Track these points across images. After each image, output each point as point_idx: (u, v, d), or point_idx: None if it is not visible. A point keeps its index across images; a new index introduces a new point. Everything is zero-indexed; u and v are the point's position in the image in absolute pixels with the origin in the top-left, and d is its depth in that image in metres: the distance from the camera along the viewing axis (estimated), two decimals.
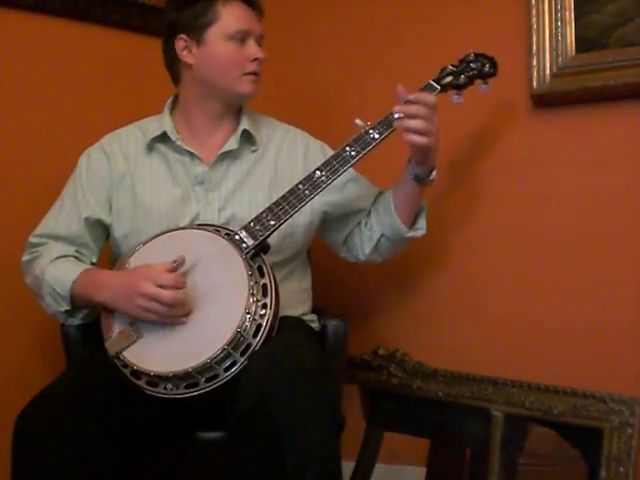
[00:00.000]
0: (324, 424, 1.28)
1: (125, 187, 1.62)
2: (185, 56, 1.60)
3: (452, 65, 1.60)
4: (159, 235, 1.50)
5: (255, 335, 1.36)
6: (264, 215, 1.46)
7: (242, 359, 1.35)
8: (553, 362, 1.76)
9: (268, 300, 1.39)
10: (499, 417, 1.78)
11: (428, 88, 1.57)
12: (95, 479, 1.30)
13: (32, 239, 1.62)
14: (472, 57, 1.61)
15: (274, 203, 1.48)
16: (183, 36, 1.59)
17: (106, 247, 1.68)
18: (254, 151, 1.65)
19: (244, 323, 1.35)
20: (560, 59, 1.71)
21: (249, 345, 1.35)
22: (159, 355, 1.38)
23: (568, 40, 1.70)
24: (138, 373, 1.38)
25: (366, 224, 1.70)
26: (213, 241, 1.45)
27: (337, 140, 1.58)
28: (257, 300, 1.38)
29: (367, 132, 1.52)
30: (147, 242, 1.50)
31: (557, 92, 1.72)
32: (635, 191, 1.68)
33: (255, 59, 1.58)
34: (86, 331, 1.58)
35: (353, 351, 1.94)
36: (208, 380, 1.35)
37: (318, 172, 1.50)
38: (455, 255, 1.91)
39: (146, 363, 1.37)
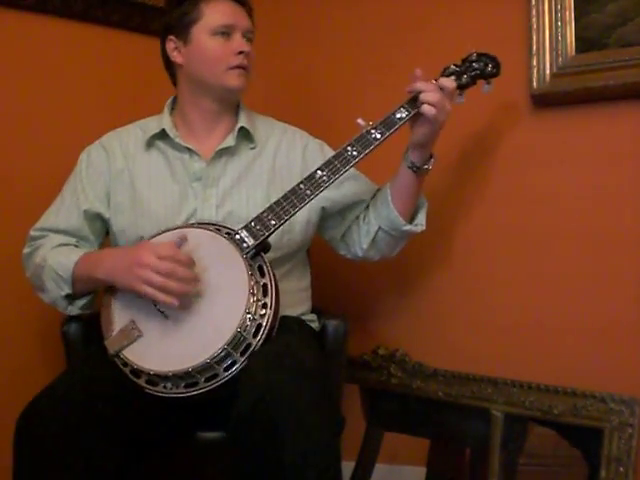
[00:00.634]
0: (324, 424, 1.28)
1: (123, 183, 1.62)
2: (175, 57, 1.63)
3: (455, 65, 1.60)
4: (159, 234, 1.50)
5: (255, 335, 1.36)
6: (265, 215, 1.46)
7: (242, 359, 1.35)
8: (553, 362, 1.76)
9: (268, 300, 1.39)
10: (499, 417, 1.78)
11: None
12: (96, 477, 1.30)
13: (32, 232, 1.64)
14: (475, 57, 1.61)
15: (275, 202, 1.48)
16: (172, 37, 1.62)
17: (106, 244, 1.68)
18: (252, 148, 1.66)
19: (244, 323, 1.35)
20: (560, 59, 1.71)
21: (249, 345, 1.35)
22: (159, 354, 1.38)
23: (568, 40, 1.70)
24: (138, 372, 1.38)
25: (364, 218, 1.70)
26: (214, 240, 1.45)
27: (337, 140, 1.59)
28: (257, 300, 1.38)
29: (369, 132, 1.52)
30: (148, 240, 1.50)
31: (557, 92, 1.72)
32: (635, 191, 1.68)
33: (240, 52, 1.58)
34: (86, 330, 1.58)
35: (353, 351, 1.94)
36: (208, 380, 1.35)
37: (319, 172, 1.50)
38: (455, 255, 1.91)
39: (146, 362, 1.37)
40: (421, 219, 1.67)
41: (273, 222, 1.45)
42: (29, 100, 1.85)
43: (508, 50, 1.66)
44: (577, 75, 1.69)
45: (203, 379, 1.35)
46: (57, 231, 1.61)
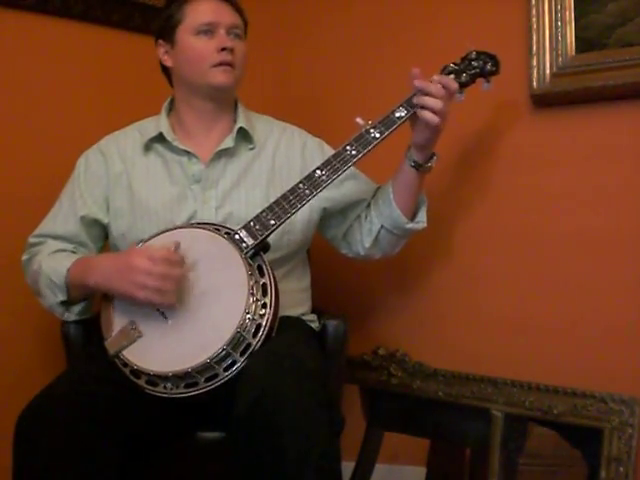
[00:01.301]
0: (324, 424, 1.28)
1: (122, 187, 1.62)
2: (166, 60, 1.64)
3: (454, 63, 1.60)
4: (159, 234, 1.50)
5: (255, 335, 1.36)
6: (264, 214, 1.46)
7: (242, 359, 1.35)
8: (553, 362, 1.76)
9: (268, 300, 1.39)
10: (499, 417, 1.78)
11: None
12: (96, 477, 1.30)
13: (31, 239, 1.64)
14: (474, 55, 1.61)
15: (274, 202, 1.47)
16: (161, 41, 1.63)
17: (106, 249, 1.68)
18: (251, 149, 1.65)
19: (244, 323, 1.35)
20: (560, 59, 1.71)
21: (249, 345, 1.35)
22: (159, 354, 1.38)
23: (568, 40, 1.70)
24: (138, 372, 1.38)
25: (366, 217, 1.70)
26: (213, 240, 1.45)
27: (336, 139, 1.58)
28: (257, 300, 1.38)
29: (368, 131, 1.52)
30: (147, 241, 1.50)
31: (557, 92, 1.72)
32: (635, 190, 1.68)
33: (223, 49, 1.57)
34: (86, 330, 1.58)
35: (353, 351, 1.94)
36: (208, 380, 1.35)
37: (318, 171, 1.50)
38: (455, 255, 1.91)
39: (146, 362, 1.37)
40: (422, 216, 1.67)
41: (272, 222, 1.45)
42: (29, 100, 1.85)
43: (508, 50, 1.66)
44: (577, 75, 1.69)
45: (203, 379, 1.35)
46: (55, 237, 1.61)
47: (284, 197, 1.48)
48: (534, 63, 1.73)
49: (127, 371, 1.40)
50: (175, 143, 1.62)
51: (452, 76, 1.57)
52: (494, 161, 1.86)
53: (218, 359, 1.34)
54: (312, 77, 2.17)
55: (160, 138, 1.63)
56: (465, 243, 1.90)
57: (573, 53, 1.70)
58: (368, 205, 1.71)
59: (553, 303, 1.77)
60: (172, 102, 1.69)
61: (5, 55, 1.81)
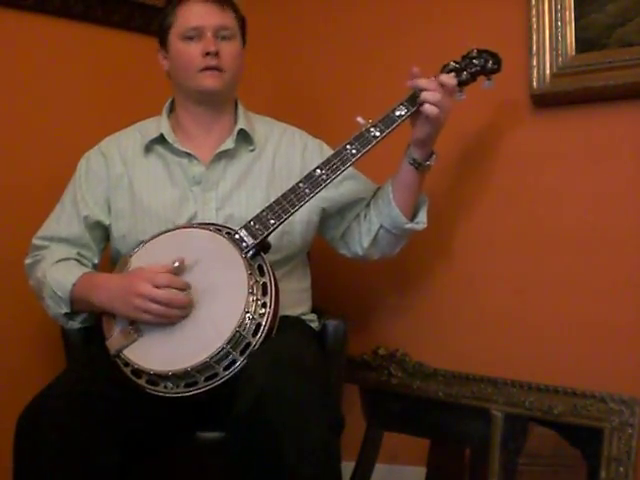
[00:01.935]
0: (324, 424, 1.28)
1: (123, 188, 1.62)
2: (164, 65, 1.65)
3: (454, 61, 1.60)
4: (160, 234, 1.50)
5: (254, 334, 1.36)
6: (264, 214, 1.46)
7: (241, 358, 1.35)
8: (553, 362, 1.76)
9: (268, 299, 1.39)
10: (499, 417, 1.78)
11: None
12: (96, 477, 1.30)
13: (35, 241, 1.63)
14: (475, 53, 1.60)
15: (274, 202, 1.47)
16: (160, 47, 1.64)
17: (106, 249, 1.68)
18: (251, 150, 1.65)
19: (243, 322, 1.35)
20: (560, 59, 1.71)
21: (248, 344, 1.35)
22: (159, 354, 1.38)
23: (568, 40, 1.70)
24: (138, 372, 1.39)
25: (365, 216, 1.70)
26: (213, 240, 1.45)
27: (337, 139, 1.58)
28: (257, 299, 1.38)
29: (368, 130, 1.52)
30: (148, 241, 1.50)
31: (557, 92, 1.72)
32: (635, 191, 1.68)
33: (207, 53, 1.56)
34: (86, 330, 1.58)
35: (353, 351, 1.94)
36: (207, 379, 1.35)
37: (318, 170, 1.50)
38: (455, 255, 1.91)
39: (146, 362, 1.38)
40: (422, 217, 1.67)
41: (272, 221, 1.45)
42: (29, 100, 1.85)
43: (508, 50, 1.65)
44: (577, 75, 1.69)
45: (203, 378, 1.35)
46: (59, 240, 1.61)
47: (284, 196, 1.48)
48: (534, 63, 1.73)
49: (128, 371, 1.40)
50: (176, 145, 1.62)
51: (452, 74, 1.57)
52: (494, 161, 1.85)
53: (218, 358, 1.34)
54: (312, 77, 2.16)
55: (161, 139, 1.63)
56: (465, 243, 1.90)
57: (573, 53, 1.70)
58: (367, 205, 1.71)
59: (553, 303, 1.77)
60: (173, 103, 1.69)
61: (5, 55, 1.81)
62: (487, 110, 1.83)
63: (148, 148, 1.64)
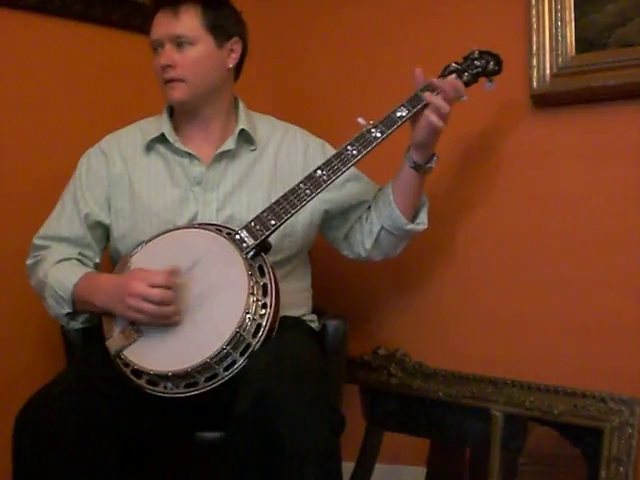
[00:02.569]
0: (324, 424, 1.28)
1: (123, 187, 1.62)
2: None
3: (456, 63, 1.60)
4: (161, 234, 1.50)
5: (255, 335, 1.36)
6: (265, 214, 1.46)
7: (241, 359, 1.35)
8: (553, 362, 1.76)
9: (268, 300, 1.39)
10: (499, 417, 1.78)
11: (427, 89, 1.56)
12: (96, 476, 1.30)
13: (36, 241, 1.63)
14: (476, 54, 1.61)
15: (275, 202, 1.47)
16: None
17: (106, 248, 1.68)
18: (253, 150, 1.65)
19: (244, 323, 1.35)
20: (560, 59, 1.71)
21: (248, 345, 1.35)
22: (159, 354, 1.38)
23: (568, 40, 1.70)
24: (138, 372, 1.38)
25: (366, 218, 1.70)
26: (214, 240, 1.45)
27: (338, 139, 1.58)
28: (257, 300, 1.38)
29: (369, 131, 1.52)
30: (149, 241, 1.50)
31: (557, 92, 1.72)
32: (635, 190, 1.68)
33: (162, 67, 1.55)
34: (86, 330, 1.58)
35: (353, 351, 1.94)
36: (208, 379, 1.35)
37: (319, 171, 1.50)
38: (455, 255, 1.91)
39: (146, 362, 1.37)
40: (423, 218, 1.67)
41: (273, 222, 1.45)
42: (29, 100, 1.85)
43: (508, 50, 1.66)
44: (577, 75, 1.69)
45: (203, 379, 1.35)
46: (60, 240, 1.60)
47: (285, 197, 1.47)
48: (534, 63, 1.73)
49: (128, 371, 1.40)
50: (177, 144, 1.61)
51: (454, 75, 1.57)
52: (494, 161, 1.86)
53: (218, 359, 1.34)
54: (314, 78, 2.16)
55: (162, 139, 1.63)
56: (465, 243, 1.90)
57: (573, 53, 1.70)
58: (369, 207, 1.71)
59: (553, 303, 1.77)
60: None
61: (5, 55, 1.81)
62: (487, 110, 1.83)
63: (149, 147, 1.63)
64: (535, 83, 1.73)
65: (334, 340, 1.66)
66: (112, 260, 1.65)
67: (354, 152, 1.51)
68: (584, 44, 1.69)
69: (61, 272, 1.54)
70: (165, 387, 1.37)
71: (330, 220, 1.72)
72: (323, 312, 1.73)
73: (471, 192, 1.89)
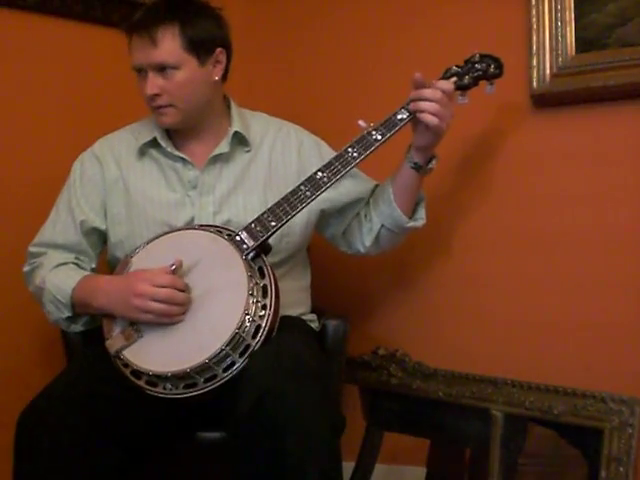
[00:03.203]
0: (324, 424, 1.28)
1: (118, 192, 1.61)
2: None
3: (457, 66, 1.60)
4: (161, 235, 1.51)
5: (254, 336, 1.36)
6: (265, 216, 1.46)
7: (241, 360, 1.35)
8: (553, 362, 1.76)
9: (268, 301, 1.39)
10: (499, 417, 1.78)
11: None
12: (96, 477, 1.31)
13: (31, 249, 1.62)
14: (477, 58, 1.60)
15: (275, 204, 1.47)
16: None
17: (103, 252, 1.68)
18: (247, 152, 1.64)
19: (243, 324, 1.35)
20: (560, 59, 1.71)
21: (248, 346, 1.35)
22: (159, 355, 1.38)
23: (568, 40, 1.70)
24: (138, 373, 1.38)
25: (365, 216, 1.70)
26: (214, 242, 1.45)
27: (338, 140, 1.58)
28: (257, 301, 1.38)
29: (370, 133, 1.52)
30: (149, 242, 1.50)
31: (557, 92, 1.72)
32: (635, 190, 1.68)
33: (149, 97, 1.52)
34: (86, 331, 1.58)
35: (353, 351, 1.94)
36: (207, 380, 1.35)
37: (320, 173, 1.49)
38: (455, 255, 1.91)
39: (145, 362, 1.37)
40: (421, 213, 1.67)
41: (273, 223, 1.45)
42: (28, 100, 1.85)
43: (508, 50, 1.65)
44: (577, 75, 1.69)
45: (202, 380, 1.35)
46: (55, 246, 1.60)
47: (285, 199, 1.47)
48: (534, 63, 1.73)
49: (128, 371, 1.40)
50: (169, 149, 1.60)
51: (454, 78, 1.57)
52: (493, 161, 1.86)
53: (217, 360, 1.34)
54: (314, 80, 2.16)
55: (154, 143, 1.61)
56: (465, 243, 1.90)
57: (573, 53, 1.70)
58: (367, 203, 1.71)
59: (553, 303, 1.77)
60: None
61: (5, 55, 1.81)
62: (487, 110, 1.83)
63: (142, 151, 1.62)
64: (535, 83, 1.73)
65: (334, 340, 1.66)
66: (109, 265, 1.64)
67: (354, 154, 1.50)
68: (584, 44, 1.68)
69: (59, 277, 1.53)
70: (164, 388, 1.37)
71: (327, 218, 1.72)
72: (323, 312, 1.73)
73: (470, 192, 1.89)
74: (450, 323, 1.91)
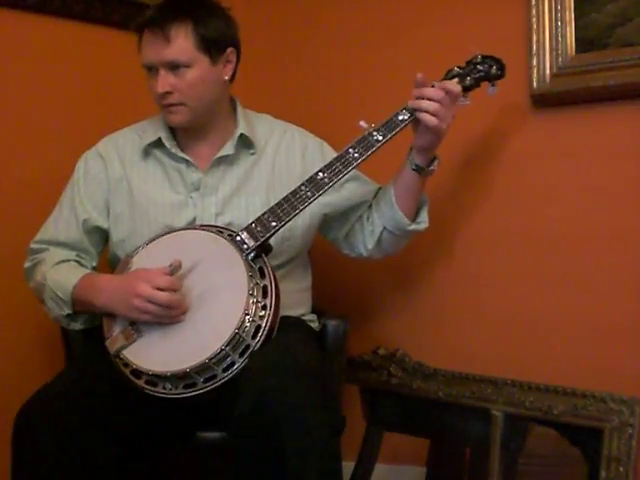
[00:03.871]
0: (324, 424, 1.28)
1: (122, 192, 1.61)
2: None
3: (458, 67, 1.60)
4: (162, 235, 1.51)
5: (254, 336, 1.36)
6: (266, 216, 1.46)
7: (241, 360, 1.35)
8: (553, 362, 1.76)
9: (268, 301, 1.39)
10: (499, 417, 1.78)
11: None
12: (95, 476, 1.31)
13: (33, 245, 1.62)
14: (479, 59, 1.60)
15: (276, 204, 1.47)
16: None
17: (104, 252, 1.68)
18: (252, 154, 1.63)
19: (243, 324, 1.35)
20: (560, 59, 1.71)
21: (248, 346, 1.36)
22: (158, 355, 1.38)
23: (568, 40, 1.70)
24: (138, 372, 1.39)
25: (368, 218, 1.69)
26: (215, 242, 1.45)
27: (338, 140, 1.58)
28: (257, 301, 1.38)
29: (371, 134, 1.52)
30: (150, 242, 1.50)
31: (557, 92, 1.72)
32: (636, 190, 1.68)
33: (160, 94, 1.52)
34: (86, 330, 1.58)
35: (353, 351, 1.94)
36: (206, 380, 1.35)
37: (321, 174, 1.49)
38: (456, 255, 1.91)
39: (145, 362, 1.38)
40: (424, 216, 1.67)
41: (274, 223, 1.45)
42: (29, 100, 1.85)
43: (508, 50, 1.65)
44: (577, 75, 1.69)
45: (202, 380, 1.35)
46: (57, 244, 1.60)
47: (286, 199, 1.47)
48: (534, 63, 1.73)
49: (127, 371, 1.40)
50: (174, 150, 1.60)
51: (456, 79, 1.57)
52: (493, 161, 1.85)
53: (217, 360, 1.34)
54: (315, 81, 2.15)
55: (159, 143, 1.61)
56: (465, 243, 1.90)
57: (573, 53, 1.70)
58: (370, 206, 1.71)
59: (553, 303, 1.77)
60: None
61: (5, 55, 1.81)
62: (487, 110, 1.82)
63: (146, 152, 1.62)
64: (535, 83, 1.73)
65: (334, 340, 1.66)
66: (110, 264, 1.64)
67: (356, 155, 1.50)
68: (584, 44, 1.68)
69: (60, 273, 1.53)
70: (164, 387, 1.37)
71: (330, 221, 1.71)
72: (323, 312, 1.73)
73: (471, 192, 1.88)
74: (450, 323, 1.91)
